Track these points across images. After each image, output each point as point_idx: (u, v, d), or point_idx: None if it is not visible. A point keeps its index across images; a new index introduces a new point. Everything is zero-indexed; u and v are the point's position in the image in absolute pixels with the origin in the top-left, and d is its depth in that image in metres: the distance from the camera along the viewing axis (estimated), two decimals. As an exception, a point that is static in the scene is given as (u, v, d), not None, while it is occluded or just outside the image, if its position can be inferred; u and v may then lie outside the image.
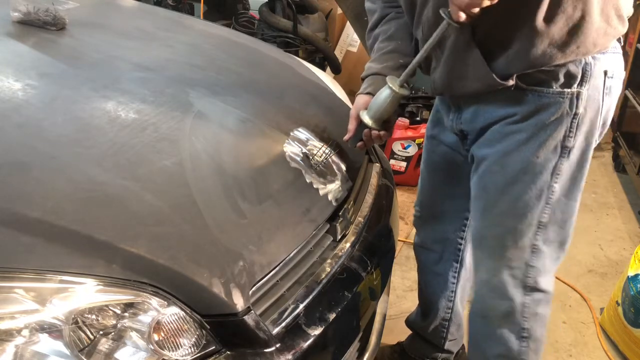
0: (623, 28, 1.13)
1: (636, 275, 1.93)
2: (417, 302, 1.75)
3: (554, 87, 1.13)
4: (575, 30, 1.07)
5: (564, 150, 1.18)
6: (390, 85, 1.18)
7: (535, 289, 1.31)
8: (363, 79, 1.32)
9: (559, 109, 1.14)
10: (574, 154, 1.19)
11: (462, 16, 1.03)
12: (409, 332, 1.80)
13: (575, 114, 1.15)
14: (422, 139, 3.03)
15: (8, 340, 0.79)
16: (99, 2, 1.97)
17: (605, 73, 1.15)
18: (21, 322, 0.80)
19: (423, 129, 3.04)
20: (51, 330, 0.81)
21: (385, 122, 1.24)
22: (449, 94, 1.30)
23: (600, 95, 1.16)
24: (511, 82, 1.13)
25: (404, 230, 2.67)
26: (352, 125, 1.28)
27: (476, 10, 1.02)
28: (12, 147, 0.99)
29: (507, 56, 1.11)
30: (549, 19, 1.06)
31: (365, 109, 1.24)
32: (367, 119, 1.22)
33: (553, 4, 1.05)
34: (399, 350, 1.80)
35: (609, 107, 1.20)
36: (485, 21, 1.07)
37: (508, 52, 1.11)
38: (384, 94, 1.19)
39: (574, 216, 1.27)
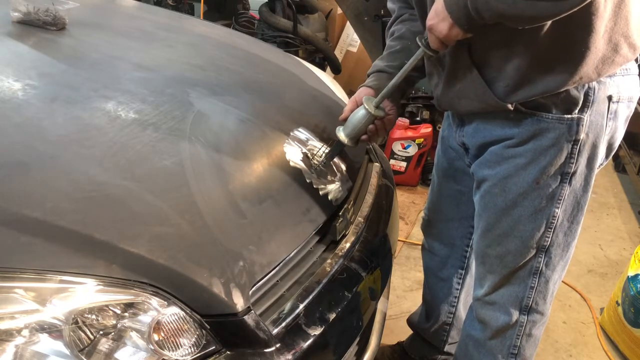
0: (634, 55, 1.08)
1: (636, 275, 1.93)
2: (417, 302, 1.75)
3: (554, 112, 1.10)
4: (579, 60, 1.03)
5: (565, 176, 1.15)
6: (366, 107, 1.19)
7: (535, 310, 1.31)
8: (369, 75, 1.32)
9: (557, 135, 1.11)
10: (576, 180, 1.16)
11: (440, 45, 1.05)
12: (409, 332, 1.80)
13: (576, 140, 1.11)
14: (422, 139, 3.04)
15: (8, 340, 0.79)
16: (99, 2, 1.97)
17: (610, 98, 1.10)
18: (21, 322, 0.80)
19: (423, 129, 3.05)
20: (51, 330, 0.81)
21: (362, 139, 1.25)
22: (451, 110, 1.30)
23: (604, 120, 1.12)
24: (511, 107, 1.11)
25: (404, 230, 2.67)
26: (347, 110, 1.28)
27: (452, 42, 1.04)
28: (12, 147, 0.99)
29: (507, 85, 1.09)
30: (549, 49, 1.03)
31: (341, 125, 1.25)
32: (342, 137, 1.23)
33: (552, 34, 1.01)
34: (399, 350, 1.80)
35: (615, 131, 1.16)
36: (482, 42, 1.06)
37: (508, 82, 1.08)
38: (359, 113, 1.21)
39: (577, 238, 1.26)
